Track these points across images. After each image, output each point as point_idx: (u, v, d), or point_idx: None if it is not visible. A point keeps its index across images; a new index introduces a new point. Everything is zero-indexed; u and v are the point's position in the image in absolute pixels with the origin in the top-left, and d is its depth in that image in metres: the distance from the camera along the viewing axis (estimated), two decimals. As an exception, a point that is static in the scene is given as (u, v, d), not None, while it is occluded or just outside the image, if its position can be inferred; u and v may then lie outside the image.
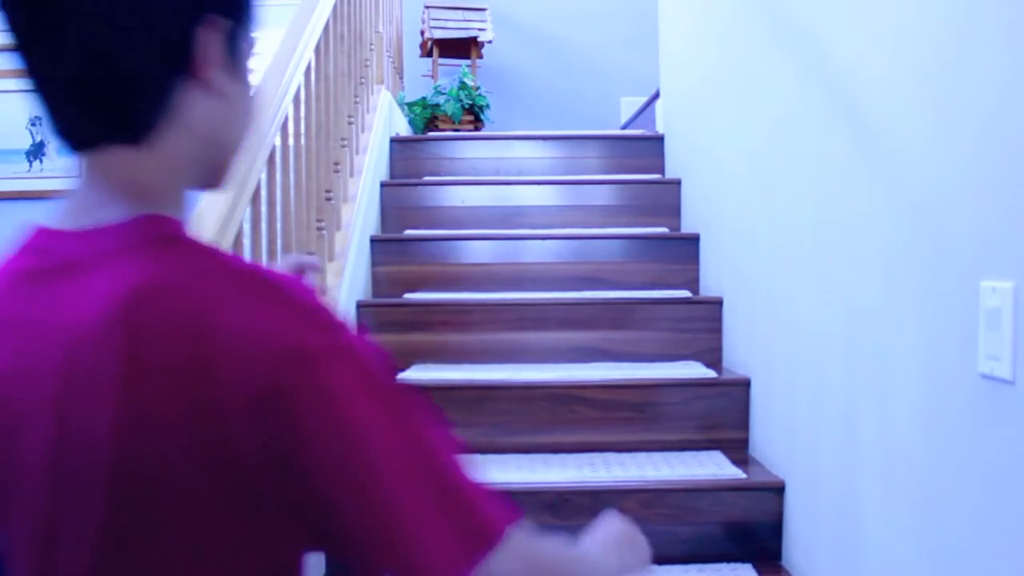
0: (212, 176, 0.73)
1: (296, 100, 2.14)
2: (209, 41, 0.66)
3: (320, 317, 0.63)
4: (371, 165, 3.15)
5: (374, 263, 3.04)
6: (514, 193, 3.39)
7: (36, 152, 5.05)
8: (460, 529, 0.62)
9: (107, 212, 0.66)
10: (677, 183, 3.37)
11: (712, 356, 2.72)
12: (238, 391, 0.58)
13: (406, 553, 0.61)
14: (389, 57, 4.06)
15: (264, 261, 1.86)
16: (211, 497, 0.60)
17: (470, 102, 4.48)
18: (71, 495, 0.62)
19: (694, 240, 3.02)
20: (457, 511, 0.62)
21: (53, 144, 5.06)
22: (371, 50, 3.43)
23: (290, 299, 0.63)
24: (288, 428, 0.59)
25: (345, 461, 0.60)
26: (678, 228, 3.33)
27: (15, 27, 0.64)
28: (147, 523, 0.61)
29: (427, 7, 4.92)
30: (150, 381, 0.59)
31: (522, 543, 0.65)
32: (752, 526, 2.13)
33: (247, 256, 1.75)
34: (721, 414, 2.43)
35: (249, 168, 1.64)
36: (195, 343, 0.59)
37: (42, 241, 0.68)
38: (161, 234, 0.65)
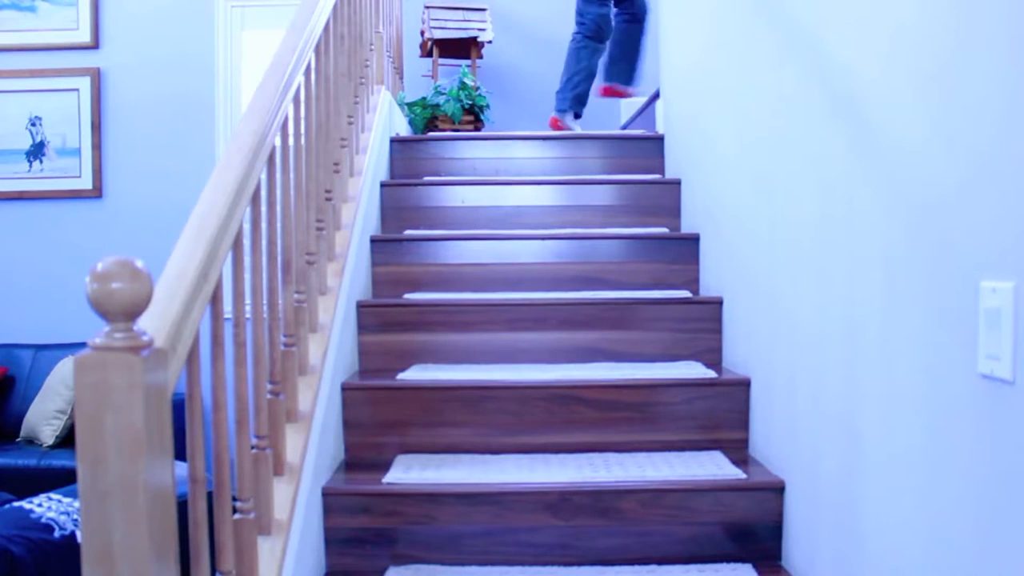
0: None
1: (296, 100, 2.14)
2: None
3: None
4: (371, 165, 3.15)
5: (374, 263, 3.04)
6: (514, 193, 3.39)
7: (36, 152, 5.05)
8: None
9: None
10: (677, 183, 3.37)
11: (712, 356, 2.72)
12: None
13: None
14: (389, 57, 4.06)
15: (264, 261, 1.86)
16: None
17: (470, 102, 4.48)
18: None
19: (694, 240, 3.03)
20: None
21: (53, 144, 5.06)
22: (371, 50, 3.43)
23: None
24: None
25: None
26: (678, 228, 3.33)
27: None
28: None
29: (427, 7, 4.92)
30: None
31: None
32: (752, 526, 2.13)
33: (247, 256, 1.75)
34: (721, 414, 2.43)
35: (249, 168, 1.64)
36: None
37: None
38: None
